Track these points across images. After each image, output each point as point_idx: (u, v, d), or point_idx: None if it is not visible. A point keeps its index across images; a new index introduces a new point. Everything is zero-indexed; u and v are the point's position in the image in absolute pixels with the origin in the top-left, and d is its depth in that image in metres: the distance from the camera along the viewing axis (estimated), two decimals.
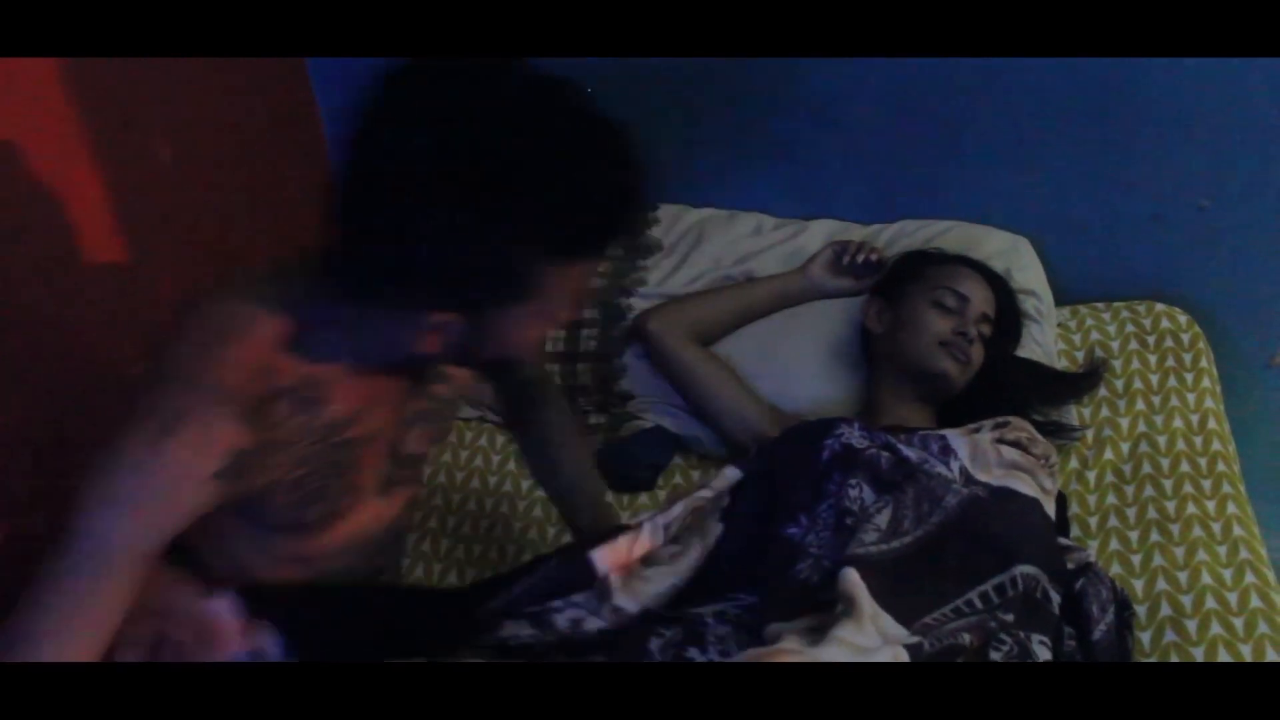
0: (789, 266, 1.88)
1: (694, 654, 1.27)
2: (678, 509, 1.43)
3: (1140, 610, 1.50)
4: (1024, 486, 1.40)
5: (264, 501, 1.10)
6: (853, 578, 1.22)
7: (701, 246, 1.94)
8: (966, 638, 1.20)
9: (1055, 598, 1.30)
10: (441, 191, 0.90)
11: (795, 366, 1.80)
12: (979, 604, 1.25)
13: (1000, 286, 1.74)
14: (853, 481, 1.39)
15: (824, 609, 1.26)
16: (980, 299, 1.67)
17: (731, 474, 1.47)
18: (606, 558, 1.35)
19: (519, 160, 0.90)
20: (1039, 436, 1.55)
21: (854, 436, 1.45)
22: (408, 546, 1.68)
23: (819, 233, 1.94)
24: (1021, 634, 1.24)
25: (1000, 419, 1.55)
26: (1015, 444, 1.49)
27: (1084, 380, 1.78)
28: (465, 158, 0.90)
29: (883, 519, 1.33)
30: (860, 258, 1.79)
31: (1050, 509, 1.42)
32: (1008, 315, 1.74)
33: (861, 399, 1.74)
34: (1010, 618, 1.25)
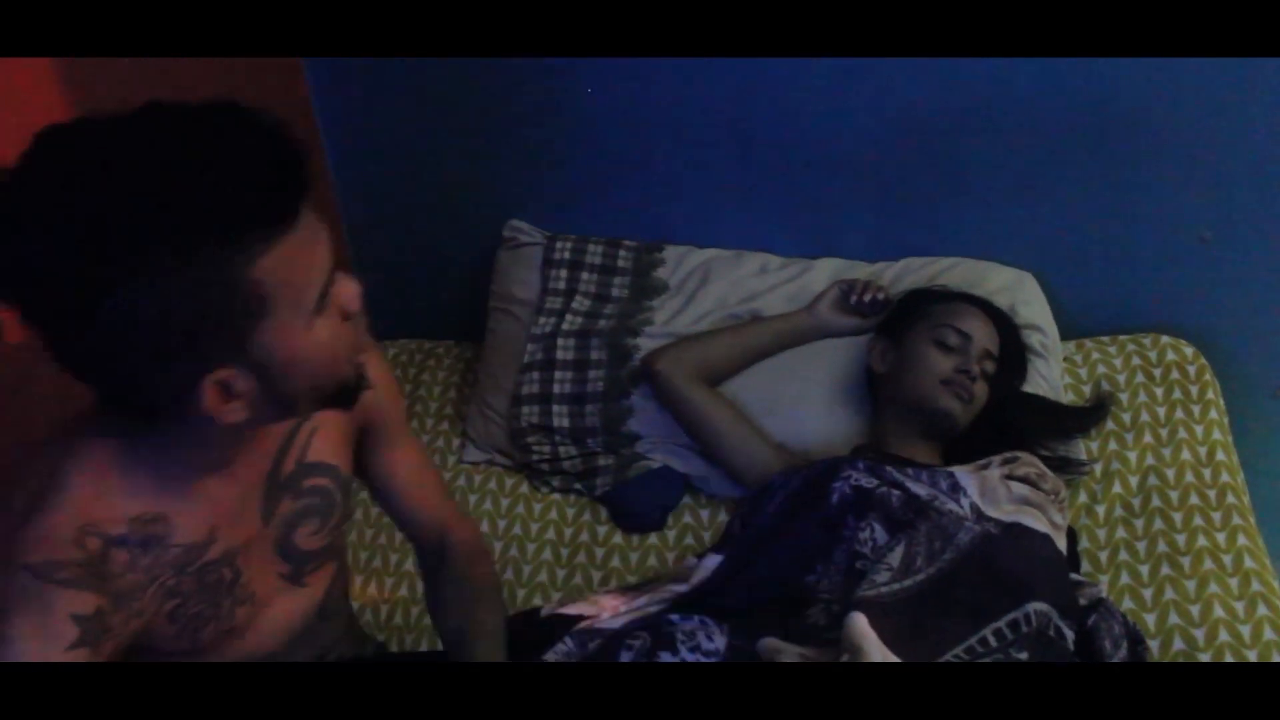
0: (795, 305, 1.89)
1: (666, 657, 1.28)
2: (641, 601, 1.45)
3: (1153, 645, 1.50)
4: (1035, 522, 1.40)
5: (150, 640, 1.06)
6: (860, 625, 1.22)
7: (707, 286, 1.95)
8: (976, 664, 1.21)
9: (1069, 634, 1.30)
10: (108, 262, 0.84)
11: (802, 405, 1.80)
12: (993, 641, 1.25)
13: (1004, 323, 1.74)
14: (864, 524, 1.39)
15: (825, 646, 1.27)
16: (983, 336, 1.67)
17: (710, 563, 1.48)
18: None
19: (155, 186, 0.84)
20: (1048, 472, 1.55)
21: (862, 477, 1.45)
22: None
23: (824, 271, 1.95)
24: None
25: (1009, 455, 1.55)
26: (1024, 479, 1.49)
27: (1090, 414, 1.79)
28: (106, 215, 0.84)
29: (895, 557, 1.34)
30: (867, 296, 1.80)
31: (1061, 544, 1.43)
32: (1012, 352, 1.74)
33: (867, 438, 1.74)
34: (1024, 656, 1.24)
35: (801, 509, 1.48)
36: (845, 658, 1.21)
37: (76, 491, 0.98)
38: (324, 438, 1.20)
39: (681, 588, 1.47)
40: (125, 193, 0.84)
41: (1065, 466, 1.70)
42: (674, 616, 1.34)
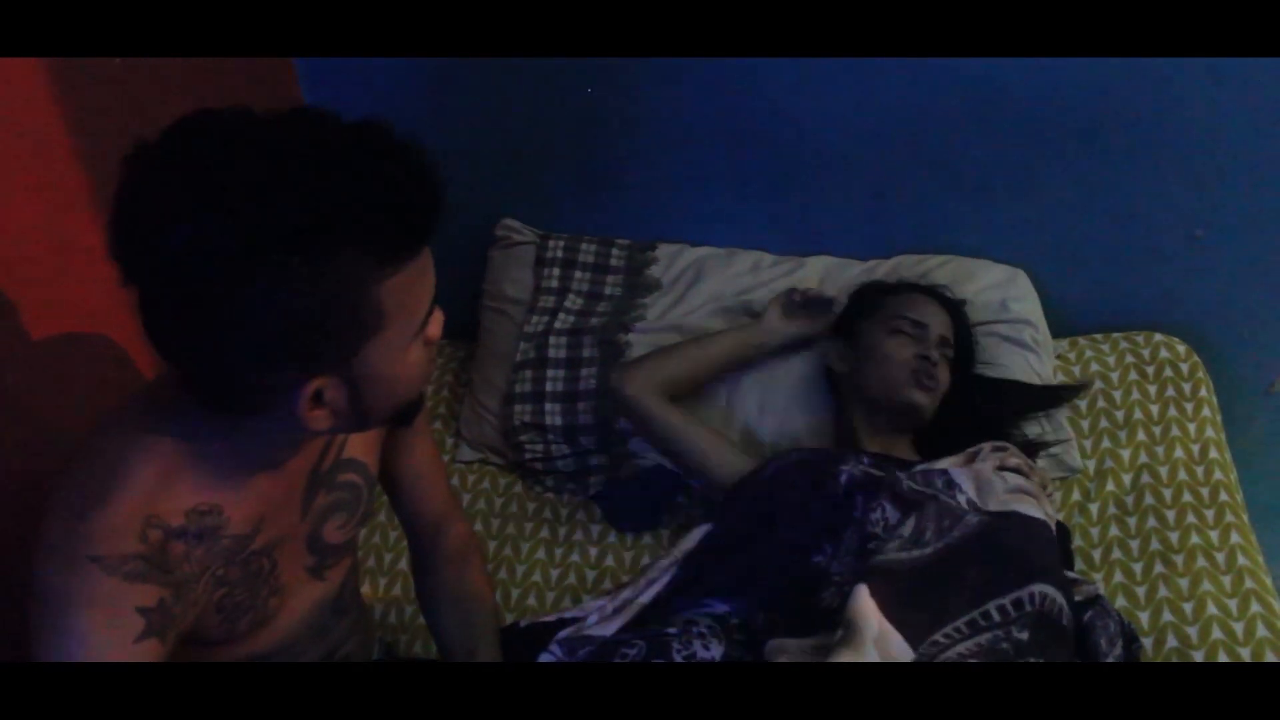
0: None
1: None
2: (627, 594, 1.45)
3: (1147, 643, 1.50)
4: (1032, 509, 1.40)
5: (196, 630, 1.08)
6: (861, 598, 1.23)
7: (700, 284, 1.95)
8: (973, 664, 1.21)
9: (1069, 619, 1.31)
10: (248, 256, 0.84)
11: (766, 410, 1.83)
12: (996, 617, 1.25)
13: (954, 309, 1.74)
14: (874, 504, 1.40)
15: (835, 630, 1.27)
16: (937, 323, 1.68)
17: (697, 533, 1.49)
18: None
19: (306, 191, 0.85)
20: (1033, 465, 1.55)
21: (868, 468, 1.46)
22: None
23: (816, 269, 1.95)
24: (1032, 659, 1.24)
25: (998, 444, 1.55)
26: (1016, 470, 1.49)
27: (1061, 389, 1.79)
28: (254, 210, 0.84)
29: (906, 529, 1.34)
30: (806, 297, 1.78)
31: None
32: (964, 337, 1.74)
33: (833, 438, 1.75)
34: (1025, 635, 1.24)
35: (805, 487, 1.48)
36: (839, 633, 1.22)
37: (141, 483, 0.98)
38: (359, 435, 1.23)
39: (666, 561, 1.47)
40: (276, 190, 0.84)
41: (1047, 449, 1.71)
42: (671, 630, 1.35)
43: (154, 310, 0.91)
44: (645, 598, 1.43)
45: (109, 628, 0.95)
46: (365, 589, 1.75)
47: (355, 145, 0.89)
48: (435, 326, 1.03)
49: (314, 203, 0.85)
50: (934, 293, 1.75)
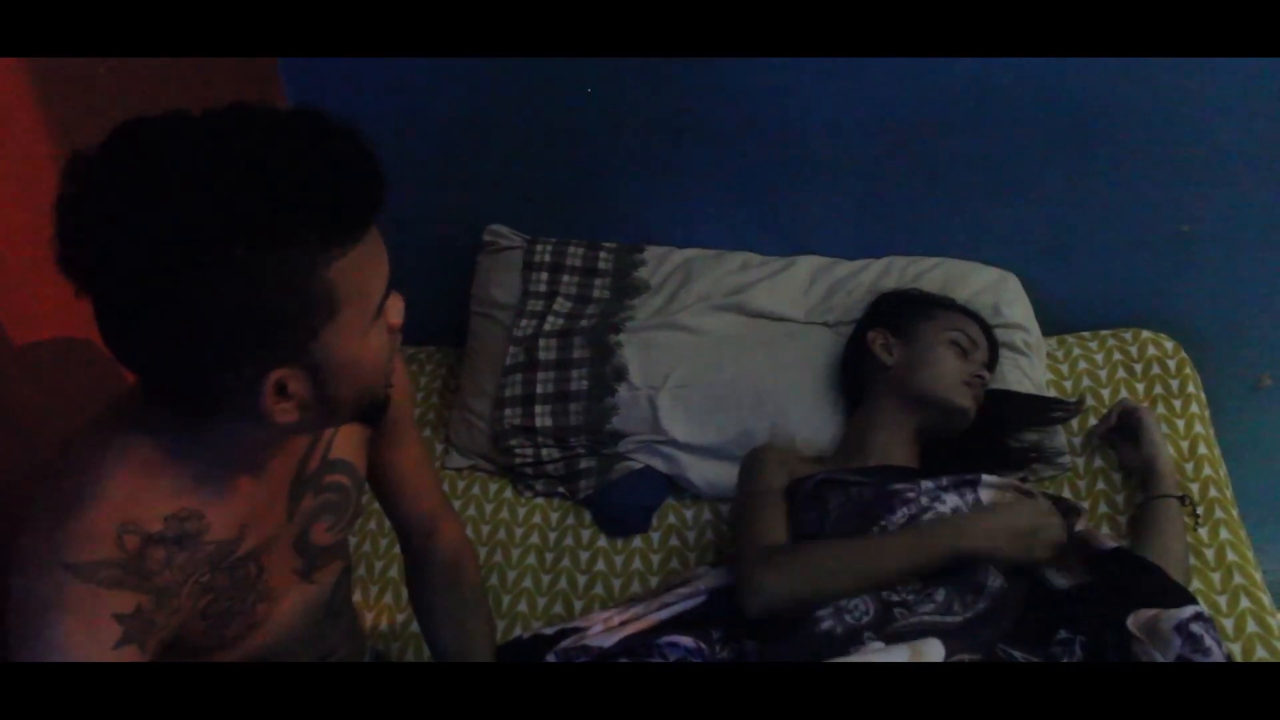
0: (780, 298, 1.91)
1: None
2: (637, 608, 1.45)
3: None
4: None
5: (182, 637, 1.07)
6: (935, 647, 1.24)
7: (690, 284, 1.95)
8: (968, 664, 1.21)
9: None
10: (190, 249, 0.84)
11: (790, 400, 1.81)
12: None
13: (994, 347, 1.76)
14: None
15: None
16: (984, 349, 1.70)
17: (721, 580, 1.48)
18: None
19: (244, 179, 0.85)
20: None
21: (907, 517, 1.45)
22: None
23: (806, 267, 1.95)
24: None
25: (990, 480, 1.53)
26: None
27: (1057, 414, 1.78)
28: (192, 202, 0.84)
29: (939, 595, 1.34)
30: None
31: None
32: (992, 367, 1.76)
33: (847, 433, 1.74)
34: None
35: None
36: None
37: (116, 489, 0.98)
38: (345, 435, 1.22)
39: (687, 590, 1.47)
40: (212, 186, 0.84)
41: (1041, 456, 1.72)
42: (664, 640, 1.34)
43: (106, 316, 0.90)
44: (658, 616, 1.43)
45: (86, 635, 0.95)
46: (357, 597, 1.74)
47: (290, 131, 0.89)
48: (395, 313, 1.03)
49: (252, 190, 0.85)
50: (984, 324, 1.75)
